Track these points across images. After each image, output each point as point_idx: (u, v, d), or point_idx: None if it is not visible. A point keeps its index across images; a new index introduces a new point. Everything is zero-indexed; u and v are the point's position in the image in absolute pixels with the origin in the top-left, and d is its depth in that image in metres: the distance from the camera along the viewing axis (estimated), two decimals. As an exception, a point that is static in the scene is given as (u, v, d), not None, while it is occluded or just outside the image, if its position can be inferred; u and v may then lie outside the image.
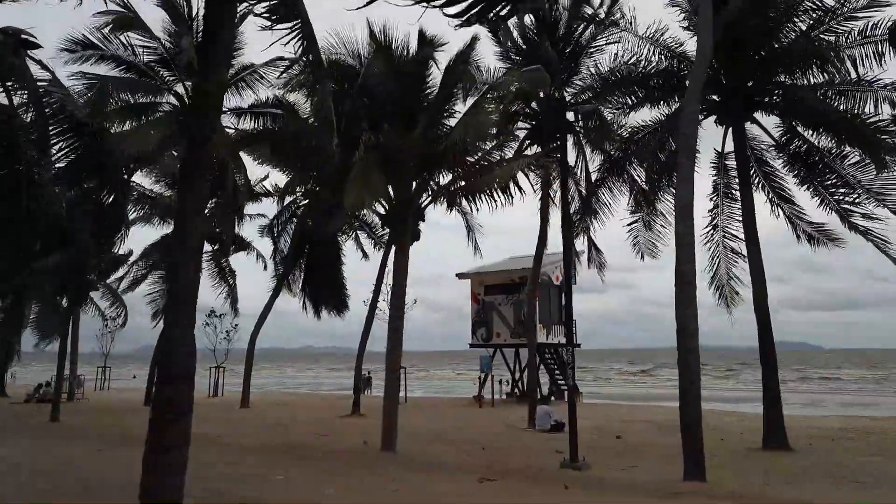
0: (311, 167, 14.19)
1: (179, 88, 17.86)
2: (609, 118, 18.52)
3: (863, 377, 68.36)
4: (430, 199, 14.06)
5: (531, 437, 17.41)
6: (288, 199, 29.19)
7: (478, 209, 13.57)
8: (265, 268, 31.36)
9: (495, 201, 13.65)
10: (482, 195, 13.65)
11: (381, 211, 14.62)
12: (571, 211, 22.25)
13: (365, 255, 29.44)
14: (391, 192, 14.04)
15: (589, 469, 11.49)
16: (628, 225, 18.72)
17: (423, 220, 14.41)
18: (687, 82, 17.74)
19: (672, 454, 14.42)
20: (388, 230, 28.97)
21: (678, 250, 11.25)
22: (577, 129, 19.50)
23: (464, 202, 14.81)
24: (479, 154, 13.98)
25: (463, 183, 14.12)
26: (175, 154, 19.93)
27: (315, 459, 12.73)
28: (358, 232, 29.50)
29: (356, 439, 15.99)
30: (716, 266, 18.62)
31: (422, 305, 32.73)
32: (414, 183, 13.87)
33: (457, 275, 32.87)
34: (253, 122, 18.47)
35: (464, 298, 32.72)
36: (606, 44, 19.19)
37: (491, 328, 31.12)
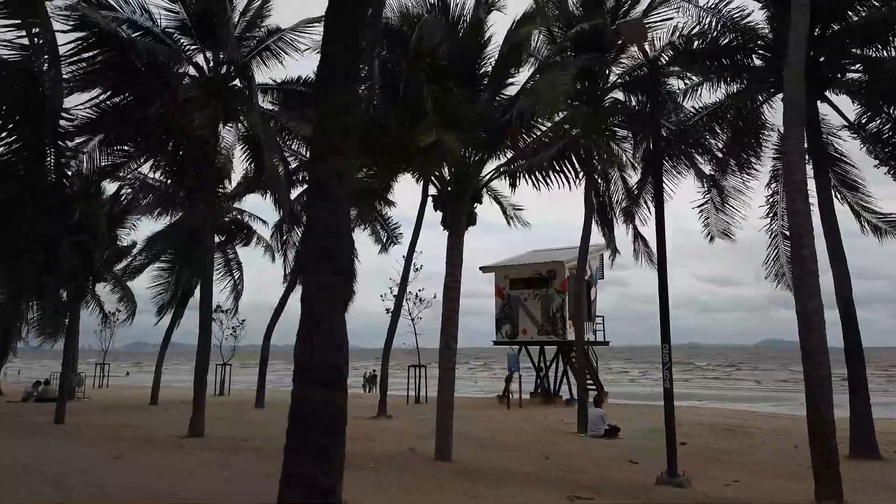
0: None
1: (200, 59, 16.28)
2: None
3: (872, 375, 67.07)
4: (499, 173, 12.48)
5: (589, 444, 15.88)
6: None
7: (548, 186, 11.96)
8: (273, 260, 29.86)
9: (563, 179, 12.23)
10: (544, 173, 12.19)
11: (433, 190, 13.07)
12: (616, 200, 20.90)
13: (384, 248, 27.85)
14: (445, 169, 12.52)
15: (691, 486, 9.97)
16: (699, 206, 17.45)
17: (480, 203, 12.85)
18: (755, 59, 16.36)
19: (761, 462, 13.05)
20: (395, 229, 27.76)
21: (794, 233, 9.78)
22: (632, 108, 18.04)
23: (521, 181, 13.34)
24: (547, 127, 12.39)
25: (523, 161, 12.60)
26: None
27: (365, 469, 11.14)
28: (376, 224, 28.05)
29: (398, 445, 14.47)
30: (776, 254, 17.60)
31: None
32: (475, 157, 12.27)
33: (481, 268, 31.16)
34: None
35: (470, 295, 30.72)
36: (663, 21, 17.73)
37: (516, 324, 29.44)
